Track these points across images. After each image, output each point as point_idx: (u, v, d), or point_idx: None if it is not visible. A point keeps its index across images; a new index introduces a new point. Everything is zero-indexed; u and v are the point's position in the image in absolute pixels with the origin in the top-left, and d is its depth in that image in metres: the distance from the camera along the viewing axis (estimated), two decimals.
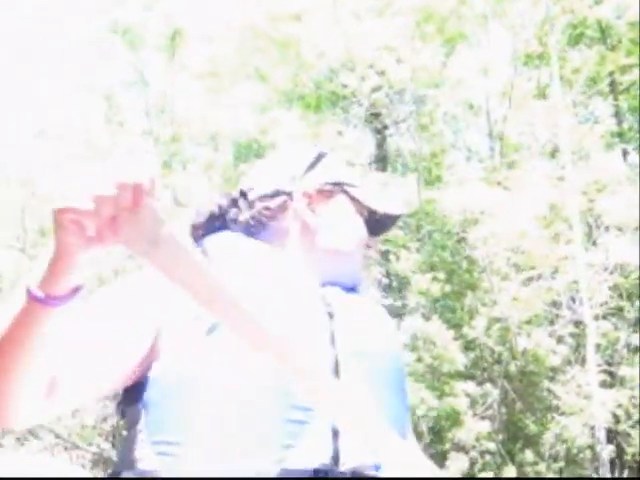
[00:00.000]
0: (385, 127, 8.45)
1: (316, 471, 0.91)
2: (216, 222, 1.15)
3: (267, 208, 1.12)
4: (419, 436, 7.06)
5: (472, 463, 6.74)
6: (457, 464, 6.57)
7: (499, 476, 6.62)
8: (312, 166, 1.17)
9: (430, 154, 9.56)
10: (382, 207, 1.18)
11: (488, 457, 6.81)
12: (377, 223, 1.19)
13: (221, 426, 0.93)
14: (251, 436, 0.92)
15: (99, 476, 6.20)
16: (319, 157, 1.18)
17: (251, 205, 1.13)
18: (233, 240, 1.12)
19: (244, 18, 8.49)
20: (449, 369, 6.69)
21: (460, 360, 6.53)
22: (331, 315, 1.04)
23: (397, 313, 7.15)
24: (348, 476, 0.93)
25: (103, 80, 9.39)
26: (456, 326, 6.86)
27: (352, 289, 1.14)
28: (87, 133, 9.10)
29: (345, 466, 0.93)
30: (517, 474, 6.61)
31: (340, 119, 8.12)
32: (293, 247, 1.13)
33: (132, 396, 1.00)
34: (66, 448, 7.07)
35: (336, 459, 0.94)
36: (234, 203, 1.16)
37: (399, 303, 7.07)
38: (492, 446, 6.70)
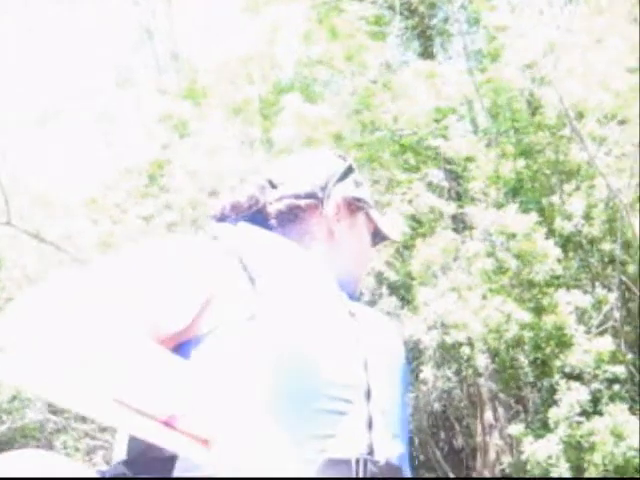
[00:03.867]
0: (423, 18, 6.87)
1: (357, 461, 0.93)
2: (251, 209, 1.13)
3: (298, 207, 1.13)
4: (520, 373, 5.29)
5: (595, 397, 4.89)
6: (571, 399, 4.76)
7: (637, 409, 4.73)
8: (343, 177, 1.18)
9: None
10: (388, 231, 1.22)
11: (617, 386, 4.94)
12: (375, 238, 1.24)
13: (266, 411, 0.87)
14: (294, 424, 0.91)
15: None
16: (349, 170, 1.20)
17: (280, 199, 1.13)
18: (264, 236, 1.10)
19: None
20: (542, 274, 4.93)
21: (554, 254, 4.77)
22: (352, 314, 1.05)
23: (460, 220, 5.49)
24: (382, 465, 0.95)
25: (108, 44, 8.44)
26: (544, 220, 5.11)
27: (353, 298, 1.15)
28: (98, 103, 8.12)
29: (379, 456, 0.95)
30: None
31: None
32: (316, 250, 1.13)
33: None
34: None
35: (371, 450, 0.95)
36: (262, 191, 1.14)
37: (464, 209, 5.37)
38: (620, 370, 4.84)
